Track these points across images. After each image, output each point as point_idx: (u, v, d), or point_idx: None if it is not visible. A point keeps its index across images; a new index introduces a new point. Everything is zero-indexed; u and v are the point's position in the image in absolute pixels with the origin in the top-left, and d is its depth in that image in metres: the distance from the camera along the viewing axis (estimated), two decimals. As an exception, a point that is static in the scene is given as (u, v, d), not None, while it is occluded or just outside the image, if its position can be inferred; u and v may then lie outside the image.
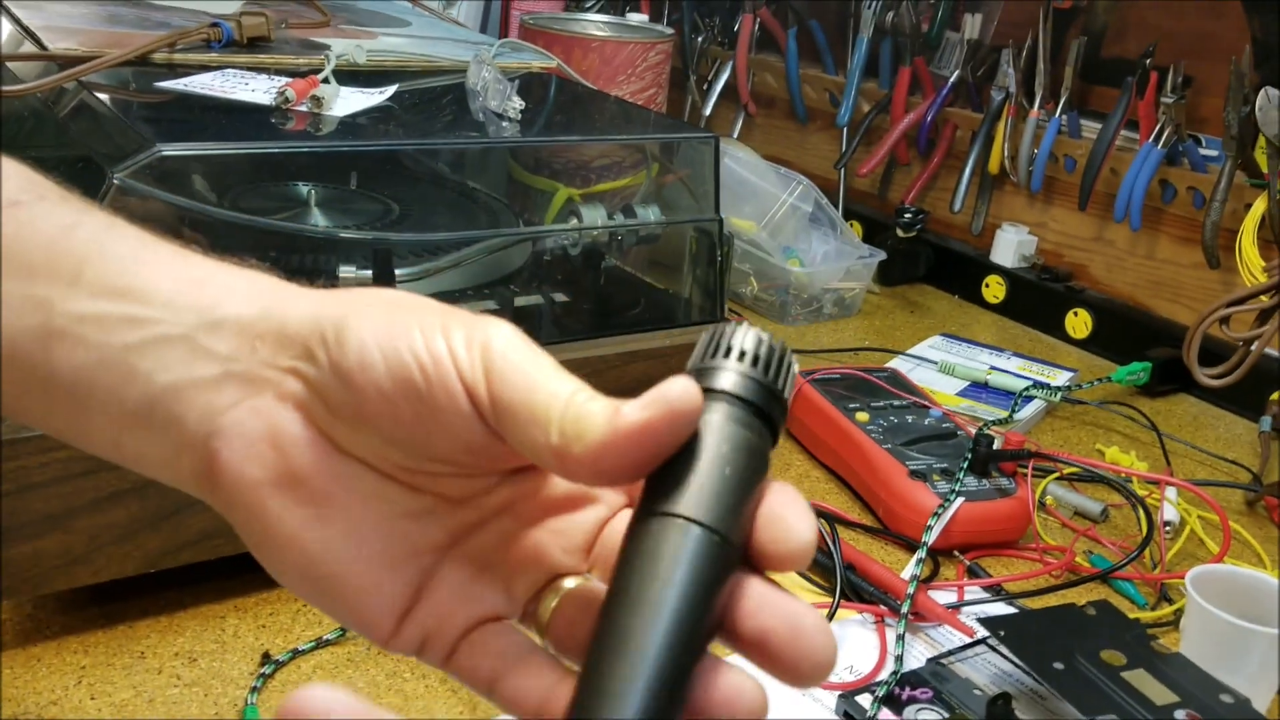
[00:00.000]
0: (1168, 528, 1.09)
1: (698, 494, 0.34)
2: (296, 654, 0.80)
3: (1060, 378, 1.41)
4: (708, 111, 1.94)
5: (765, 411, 0.36)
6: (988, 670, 0.86)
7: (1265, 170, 1.34)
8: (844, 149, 1.81)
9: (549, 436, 0.35)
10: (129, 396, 0.38)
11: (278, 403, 0.38)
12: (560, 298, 1.03)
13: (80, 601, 0.81)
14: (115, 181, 0.75)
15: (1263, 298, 1.07)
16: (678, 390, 0.34)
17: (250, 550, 0.40)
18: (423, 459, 0.38)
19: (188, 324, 0.38)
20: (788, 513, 0.36)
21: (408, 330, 0.37)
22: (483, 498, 0.40)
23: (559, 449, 0.35)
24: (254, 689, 0.76)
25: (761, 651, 0.34)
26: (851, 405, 1.15)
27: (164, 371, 0.38)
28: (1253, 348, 1.08)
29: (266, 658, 0.80)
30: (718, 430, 0.35)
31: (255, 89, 0.93)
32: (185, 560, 0.79)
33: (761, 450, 0.36)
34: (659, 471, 0.35)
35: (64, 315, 0.38)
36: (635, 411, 0.34)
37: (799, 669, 0.34)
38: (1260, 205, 1.35)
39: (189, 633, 0.81)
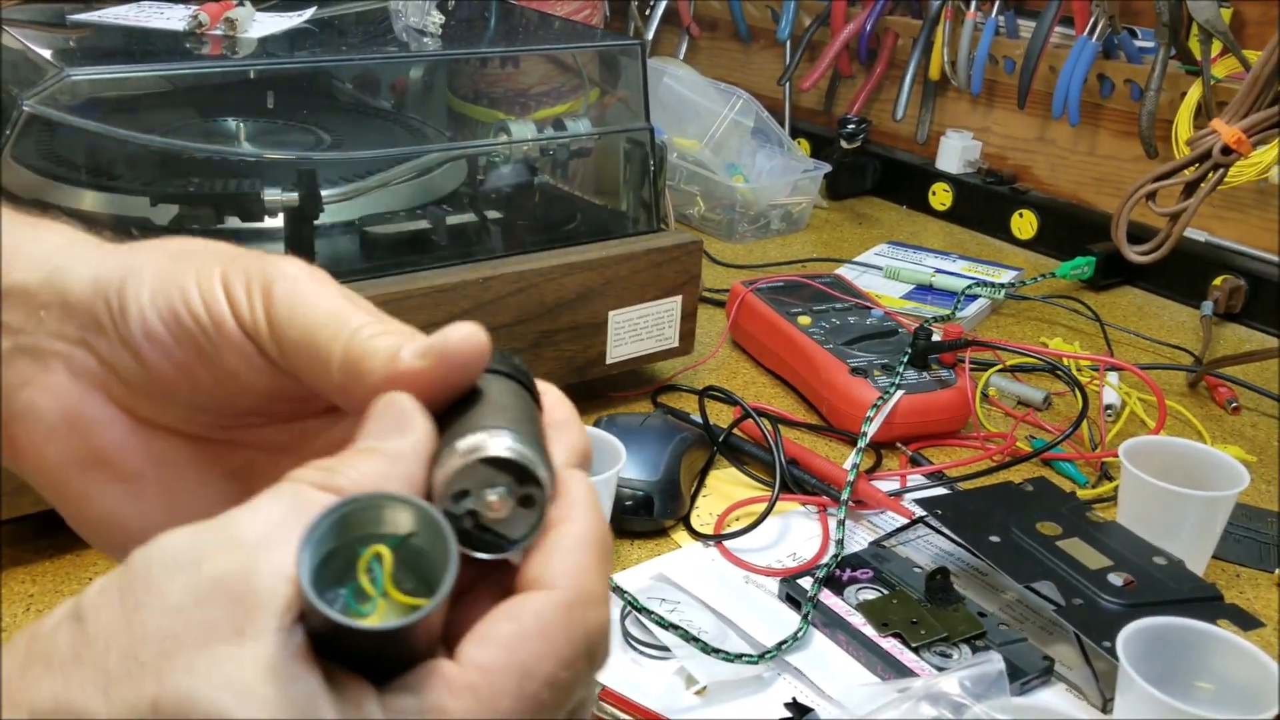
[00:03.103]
0: (1109, 411, 1.11)
1: (489, 416, 0.34)
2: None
3: (1005, 277, 1.42)
4: (650, 36, 1.93)
5: (522, 377, 0.37)
6: (928, 550, 0.88)
7: (1198, 57, 1.34)
8: (787, 64, 1.80)
9: (331, 376, 0.34)
10: None
11: (72, 381, 0.36)
12: (494, 215, 1.03)
13: (26, 534, 0.81)
14: (25, 109, 0.75)
15: (1187, 171, 1.08)
16: (456, 337, 0.34)
17: (70, 527, 0.38)
18: (231, 415, 0.37)
19: None
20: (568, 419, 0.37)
21: (184, 285, 0.36)
22: (308, 441, 0.39)
23: (341, 387, 0.34)
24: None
25: None
26: (794, 310, 1.16)
27: None
28: (1178, 222, 1.09)
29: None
30: (493, 383, 0.36)
31: (171, 18, 0.93)
32: (126, 485, 0.79)
33: (533, 398, 0.37)
34: (447, 414, 0.35)
35: None
36: (411, 358, 0.34)
37: None
38: (1195, 92, 1.36)
39: (136, 558, 0.82)
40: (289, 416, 0.38)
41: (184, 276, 0.36)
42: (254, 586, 0.29)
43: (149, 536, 0.32)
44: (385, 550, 0.31)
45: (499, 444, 0.33)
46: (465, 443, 0.33)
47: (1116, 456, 0.98)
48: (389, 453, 0.32)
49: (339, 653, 0.30)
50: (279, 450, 0.39)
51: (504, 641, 0.31)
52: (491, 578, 0.34)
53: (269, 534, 0.30)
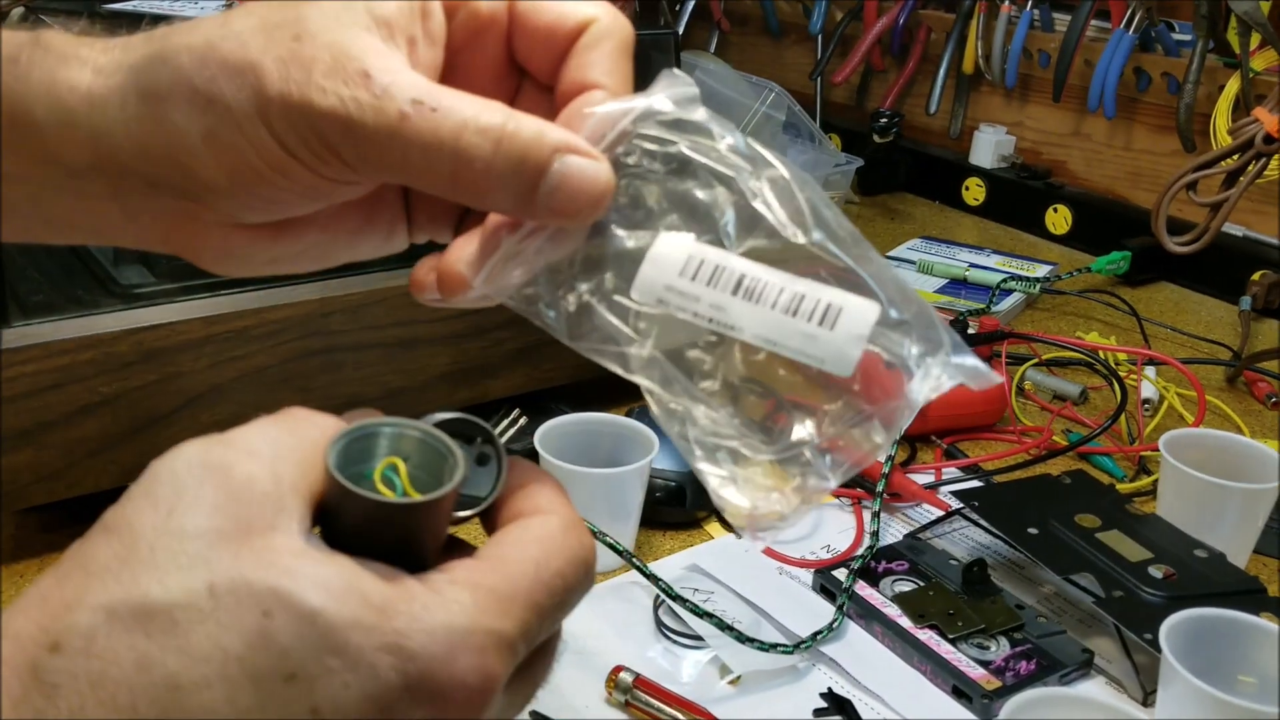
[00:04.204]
0: (1146, 405, 1.09)
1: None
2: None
3: (1040, 272, 1.41)
4: (680, 30, 1.92)
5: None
6: (964, 543, 0.87)
7: (1237, 49, 1.33)
8: (819, 58, 1.79)
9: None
10: None
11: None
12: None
13: (62, 519, 0.81)
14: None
15: (1228, 161, 1.07)
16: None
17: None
18: None
19: None
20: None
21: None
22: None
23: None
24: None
25: None
26: (828, 302, 1.15)
27: None
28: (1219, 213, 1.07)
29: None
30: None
31: (205, 7, 0.93)
32: (161, 472, 0.79)
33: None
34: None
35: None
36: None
37: None
38: (1233, 85, 1.34)
39: (170, 546, 0.82)
40: None
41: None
42: (280, 490, 0.33)
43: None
44: (398, 460, 0.35)
45: (444, 414, 0.37)
46: (423, 419, 0.36)
47: (1155, 450, 0.97)
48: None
49: (361, 548, 0.33)
50: None
51: (517, 539, 0.35)
52: (456, 552, 0.36)
53: (276, 451, 0.33)
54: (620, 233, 0.40)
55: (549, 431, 0.81)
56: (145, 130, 0.38)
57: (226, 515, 0.31)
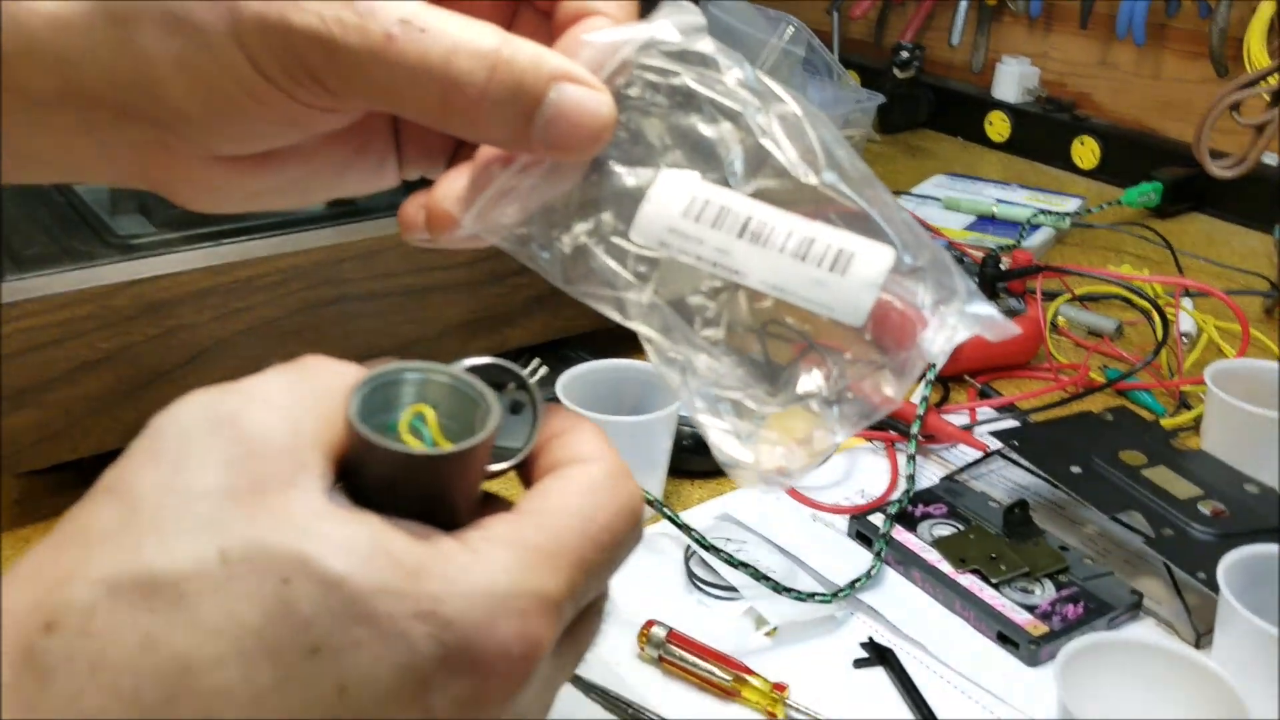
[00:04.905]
0: (1185, 339, 1.06)
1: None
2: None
3: (1069, 205, 1.37)
4: (691, -30, 1.87)
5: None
6: (1003, 484, 0.84)
7: (1271, -32, 1.28)
8: (834, -6, 1.74)
9: None
10: None
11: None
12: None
13: (68, 482, 0.79)
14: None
15: (1272, 79, 1.02)
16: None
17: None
18: None
19: None
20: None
21: None
22: None
23: None
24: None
25: None
26: (852, 241, 1.12)
27: None
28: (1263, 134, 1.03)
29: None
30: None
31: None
32: (168, 430, 0.77)
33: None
34: None
35: None
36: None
37: None
38: (1268, 6, 1.29)
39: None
40: None
41: None
42: (298, 444, 0.29)
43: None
44: (425, 408, 0.31)
45: (472, 359, 0.34)
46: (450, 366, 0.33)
47: (1195, 384, 0.94)
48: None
49: (389, 504, 0.30)
50: None
51: (560, 490, 0.32)
52: (490, 508, 0.33)
53: (294, 401, 0.30)
54: (620, 170, 0.37)
55: (572, 380, 0.78)
56: (113, 55, 0.35)
57: (239, 472, 0.28)
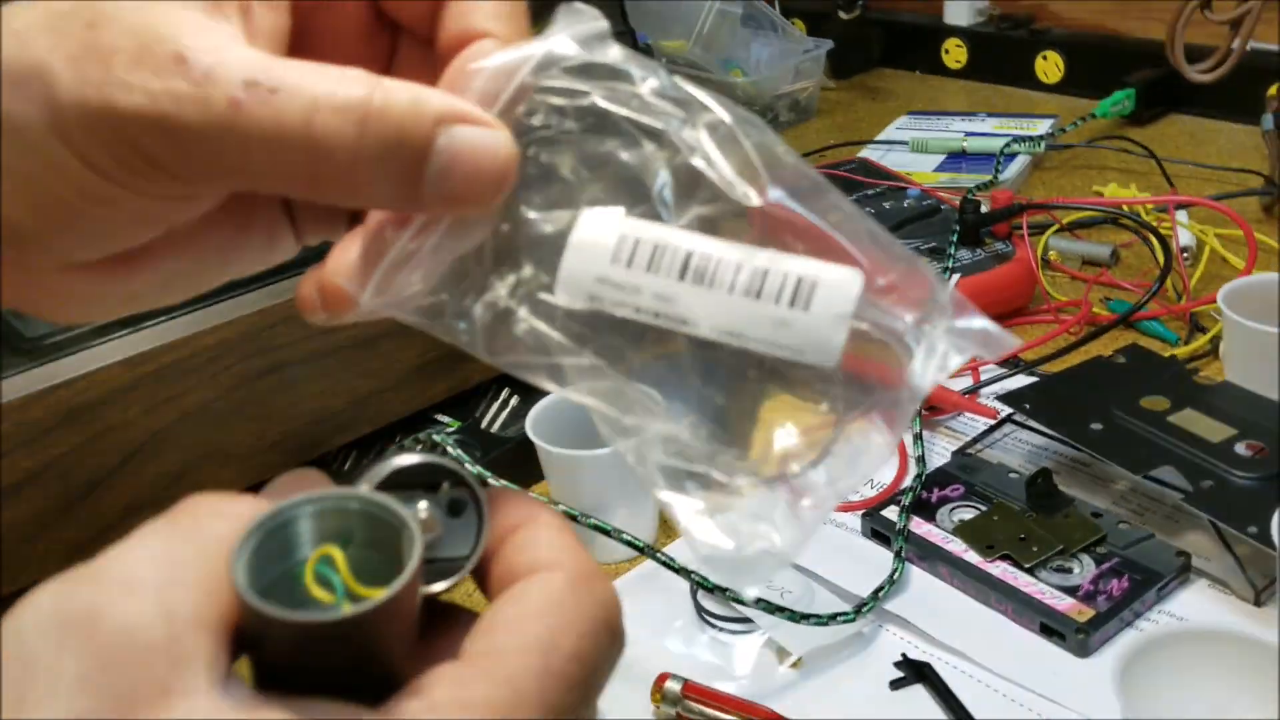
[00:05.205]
0: (1185, 254, 0.99)
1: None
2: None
3: (1041, 127, 1.30)
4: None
5: None
6: (1020, 451, 0.78)
7: None
8: (766, -58, 1.67)
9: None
10: None
11: None
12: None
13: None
14: None
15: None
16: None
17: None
18: None
19: None
20: None
21: None
22: None
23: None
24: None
25: None
26: (822, 205, 1.05)
27: None
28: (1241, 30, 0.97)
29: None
30: None
31: None
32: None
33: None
34: None
35: None
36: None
37: None
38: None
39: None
40: None
41: None
42: (174, 633, 0.24)
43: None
44: (332, 549, 0.26)
45: (396, 461, 0.29)
46: (366, 477, 0.28)
47: (1208, 304, 0.88)
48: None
49: (304, 681, 0.25)
50: None
51: (514, 622, 0.27)
52: (445, 626, 0.28)
53: (166, 575, 0.25)
54: (533, 215, 0.32)
55: (542, 413, 0.72)
56: None
57: (98, 691, 0.23)
